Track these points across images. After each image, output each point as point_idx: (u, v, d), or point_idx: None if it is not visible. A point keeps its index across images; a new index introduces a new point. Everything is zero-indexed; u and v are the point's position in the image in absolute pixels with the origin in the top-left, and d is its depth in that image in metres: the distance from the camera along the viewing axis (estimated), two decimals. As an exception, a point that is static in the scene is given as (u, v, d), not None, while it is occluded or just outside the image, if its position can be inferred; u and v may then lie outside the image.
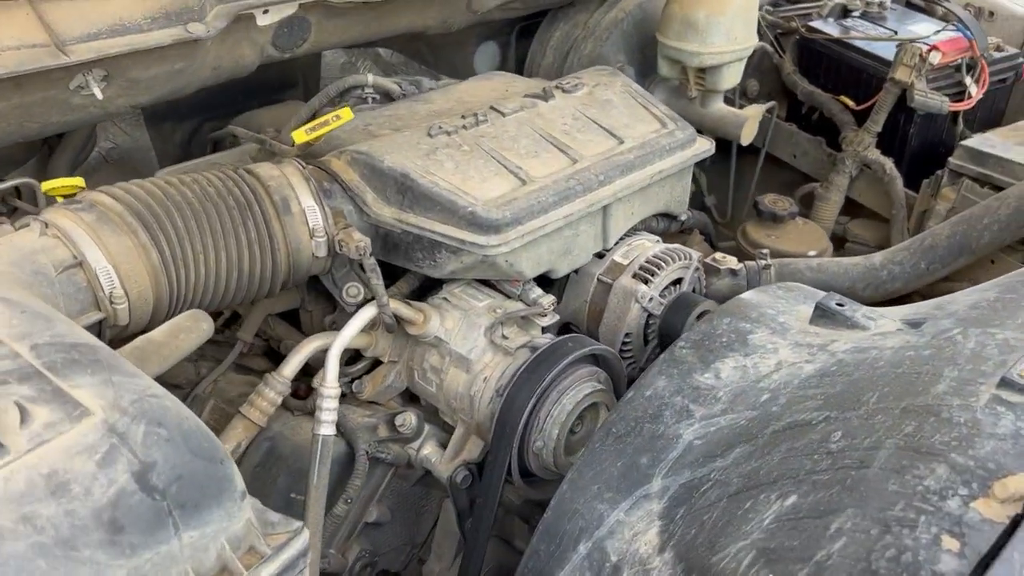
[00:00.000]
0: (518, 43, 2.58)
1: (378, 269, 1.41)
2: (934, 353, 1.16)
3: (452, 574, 1.65)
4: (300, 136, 1.44)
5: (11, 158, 1.83)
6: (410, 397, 1.65)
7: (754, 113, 2.26)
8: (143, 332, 1.28)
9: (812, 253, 2.04)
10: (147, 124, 2.12)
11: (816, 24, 2.46)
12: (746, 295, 1.49)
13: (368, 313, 1.44)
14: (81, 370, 0.95)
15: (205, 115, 2.26)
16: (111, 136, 2.06)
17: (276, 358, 1.79)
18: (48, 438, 0.86)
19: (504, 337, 1.48)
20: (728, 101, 2.35)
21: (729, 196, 2.62)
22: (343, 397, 1.61)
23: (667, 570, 1.11)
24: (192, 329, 1.18)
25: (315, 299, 1.69)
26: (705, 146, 1.73)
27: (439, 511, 1.70)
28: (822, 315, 1.37)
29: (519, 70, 2.55)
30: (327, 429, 1.39)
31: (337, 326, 1.65)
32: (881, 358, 1.21)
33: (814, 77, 2.43)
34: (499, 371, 1.46)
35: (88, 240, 1.18)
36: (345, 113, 1.48)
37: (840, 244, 2.34)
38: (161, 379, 1.66)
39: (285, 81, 2.39)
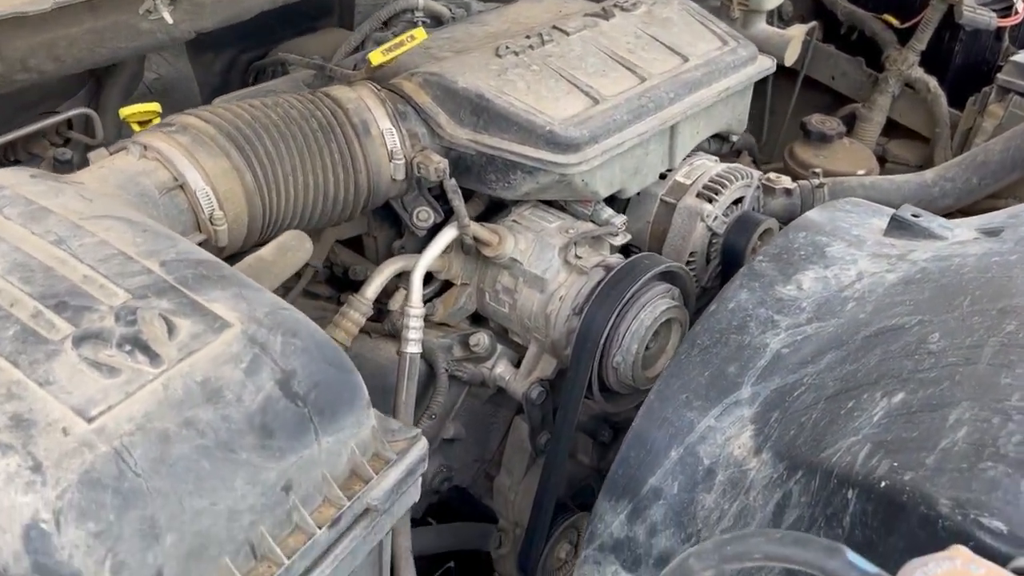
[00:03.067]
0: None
1: (459, 190, 1.42)
2: (1021, 258, 1.19)
3: (523, 487, 1.70)
4: (377, 57, 1.43)
5: (64, 91, 1.82)
6: (475, 319, 1.68)
7: (797, 33, 2.24)
8: (237, 254, 1.30)
9: (861, 172, 2.06)
10: (189, 54, 2.10)
11: (855, -59, 2.43)
12: (815, 212, 1.52)
13: (450, 235, 1.45)
14: (212, 285, 0.97)
15: (242, 44, 2.23)
16: (155, 67, 2.03)
17: (339, 284, 1.81)
18: (196, 348, 0.89)
19: (578, 257, 1.50)
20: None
21: (765, 118, 2.61)
22: (415, 320, 1.64)
23: (766, 469, 1.16)
24: (297, 248, 1.20)
25: (379, 225, 1.71)
26: (767, 64, 1.74)
27: (506, 428, 1.74)
28: (898, 226, 1.40)
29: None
30: (414, 347, 1.42)
31: (406, 250, 1.67)
32: (966, 264, 1.24)
33: (854, -5, 2.42)
34: (575, 290, 1.49)
35: (186, 162, 1.19)
36: (419, 33, 1.47)
37: (879, 165, 2.35)
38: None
39: (321, 9, 2.36)
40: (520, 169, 1.45)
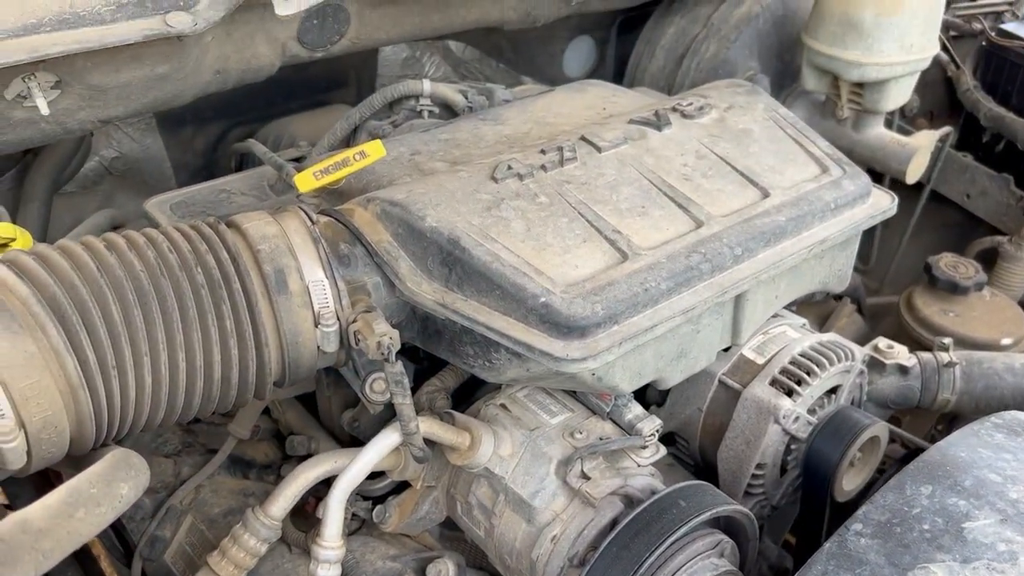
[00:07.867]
0: (619, 40, 2.11)
1: (405, 381, 0.98)
2: None
3: None
4: (306, 182, 1.01)
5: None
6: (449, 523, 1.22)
7: (925, 143, 1.74)
8: (58, 468, 0.88)
9: (1007, 341, 1.52)
10: (160, 129, 1.75)
11: (1009, 27, 1.91)
12: (949, 443, 1.00)
13: (388, 441, 1.01)
14: None
15: (233, 119, 1.87)
16: (115, 143, 1.69)
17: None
18: None
19: (585, 477, 1.03)
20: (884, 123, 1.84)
21: (875, 238, 2.10)
22: (360, 525, 1.20)
23: None
24: (103, 498, 0.76)
25: (336, 381, 1.27)
26: (884, 204, 1.24)
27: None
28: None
29: (619, 74, 2.08)
30: (322, 611, 0.96)
31: (360, 428, 1.24)
32: None
33: (1004, 95, 1.89)
34: (575, 529, 1.01)
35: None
36: (374, 149, 1.04)
37: (1027, 317, 1.79)
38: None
39: (333, 79, 1.98)
40: (505, 349, 1.00)
